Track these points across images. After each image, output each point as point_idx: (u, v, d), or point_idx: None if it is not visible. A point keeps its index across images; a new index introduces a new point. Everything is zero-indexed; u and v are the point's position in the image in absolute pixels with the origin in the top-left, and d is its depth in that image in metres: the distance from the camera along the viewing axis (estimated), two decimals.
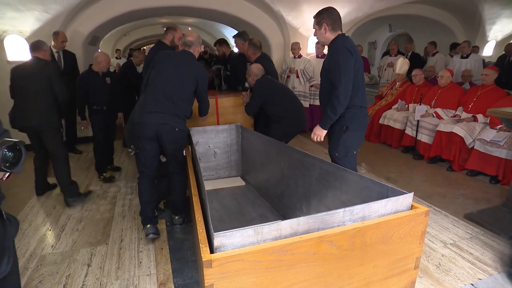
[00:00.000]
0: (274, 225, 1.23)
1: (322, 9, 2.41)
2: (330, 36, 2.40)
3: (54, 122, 3.29)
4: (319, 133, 2.49)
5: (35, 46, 3.30)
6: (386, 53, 7.32)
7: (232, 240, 1.18)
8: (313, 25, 2.46)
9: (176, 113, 2.59)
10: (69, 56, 4.70)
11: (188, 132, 3.27)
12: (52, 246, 2.68)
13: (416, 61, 6.45)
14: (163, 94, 2.57)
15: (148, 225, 2.70)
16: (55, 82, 3.23)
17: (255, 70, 3.49)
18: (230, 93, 4.09)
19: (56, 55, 4.66)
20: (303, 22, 6.15)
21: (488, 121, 4.11)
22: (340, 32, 2.42)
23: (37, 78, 3.19)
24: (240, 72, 4.14)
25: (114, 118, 4.16)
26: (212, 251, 1.17)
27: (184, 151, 2.79)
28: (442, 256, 2.48)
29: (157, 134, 2.58)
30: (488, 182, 3.85)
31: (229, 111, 3.84)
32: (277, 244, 1.20)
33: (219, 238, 1.16)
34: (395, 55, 6.69)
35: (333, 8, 2.40)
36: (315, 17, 2.43)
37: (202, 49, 6.34)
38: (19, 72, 3.24)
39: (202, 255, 1.14)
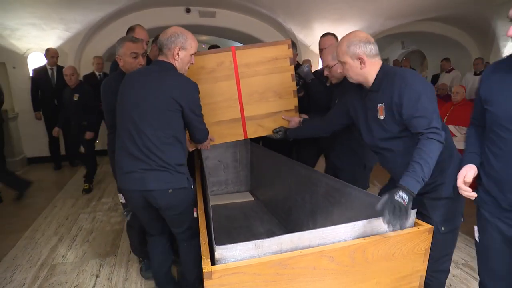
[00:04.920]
0: (274, 239, 1.24)
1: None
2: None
3: None
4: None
5: None
6: None
7: (233, 253, 1.20)
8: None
9: (163, 166, 1.70)
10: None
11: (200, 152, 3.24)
12: (62, 256, 2.74)
13: None
14: (135, 145, 1.70)
15: None
16: None
17: None
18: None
19: (50, 71, 4.80)
20: (314, 40, 6.25)
21: None
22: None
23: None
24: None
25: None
26: (213, 263, 1.20)
27: (195, 212, 1.93)
28: (453, 276, 2.41)
29: (147, 201, 1.80)
30: None
31: (257, 72, 2.36)
32: (277, 258, 1.21)
33: (220, 251, 1.19)
34: None
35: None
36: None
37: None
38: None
39: (203, 266, 1.17)
